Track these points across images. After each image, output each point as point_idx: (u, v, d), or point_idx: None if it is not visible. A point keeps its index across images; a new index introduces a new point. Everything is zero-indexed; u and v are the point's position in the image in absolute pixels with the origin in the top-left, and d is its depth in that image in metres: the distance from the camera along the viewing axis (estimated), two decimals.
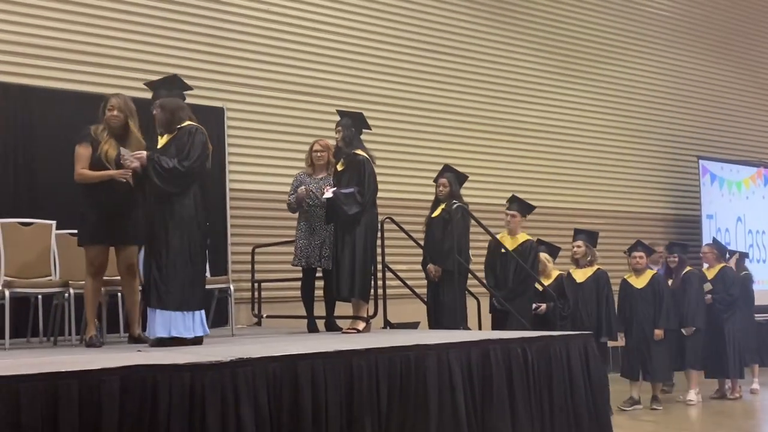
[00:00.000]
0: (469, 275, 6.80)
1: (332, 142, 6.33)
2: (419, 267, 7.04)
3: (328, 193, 5.74)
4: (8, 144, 6.77)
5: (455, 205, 6.56)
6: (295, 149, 8.27)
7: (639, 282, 7.68)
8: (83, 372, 3.09)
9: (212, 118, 8.01)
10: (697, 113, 12.47)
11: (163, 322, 4.68)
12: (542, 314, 6.88)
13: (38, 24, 7.27)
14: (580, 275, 7.37)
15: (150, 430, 3.17)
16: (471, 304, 6.86)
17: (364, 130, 6.02)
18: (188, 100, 7.72)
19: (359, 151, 5.84)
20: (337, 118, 6.06)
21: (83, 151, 5.03)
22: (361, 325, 5.69)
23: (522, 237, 6.97)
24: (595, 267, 7.44)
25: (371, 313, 6.82)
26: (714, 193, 11.77)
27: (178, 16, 8.08)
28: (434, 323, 6.61)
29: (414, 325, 6.99)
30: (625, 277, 7.88)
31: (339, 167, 5.91)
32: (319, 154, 6.28)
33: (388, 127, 9.19)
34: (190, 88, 5.39)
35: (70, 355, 4.18)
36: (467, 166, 9.40)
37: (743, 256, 9.36)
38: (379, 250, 6.88)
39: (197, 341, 4.83)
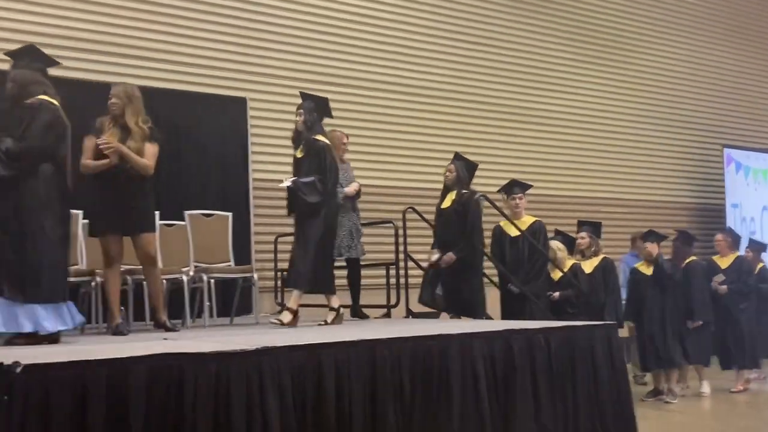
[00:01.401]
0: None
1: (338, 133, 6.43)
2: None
3: (287, 182, 5.53)
4: None
5: (466, 194, 6.43)
6: None
7: (650, 270, 7.59)
8: (111, 360, 3.14)
9: (235, 108, 8.07)
10: (723, 101, 12.33)
11: (25, 315, 4.21)
12: (554, 301, 6.88)
13: (62, 15, 7.33)
14: (588, 266, 7.34)
15: (176, 417, 3.21)
16: (494, 294, 6.85)
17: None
18: (212, 91, 7.95)
19: (320, 137, 5.61)
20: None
21: (87, 143, 5.07)
22: (331, 317, 5.53)
23: (529, 219, 6.91)
24: (601, 256, 7.43)
25: (393, 302, 6.89)
26: (739, 181, 11.64)
27: (201, 6, 8.11)
28: (452, 311, 6.50)
29: (435, 315, 7.00)
30: (636, 265, 7.80)
31: (298, 154, 5.67)
32: (348, 146, 6.38)
33: (409, 116, 9.19)
34: (54, 62, 4.93)
35: (97, 344, 4.24)
36: (488, 155, 9.41)
37: (760, 248, 9.13)
38: (400, 240, 6.92)
39: (54, 338, 4.33)
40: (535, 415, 4.33)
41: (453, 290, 6.37)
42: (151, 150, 5.14)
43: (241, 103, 8.08)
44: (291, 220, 8.02)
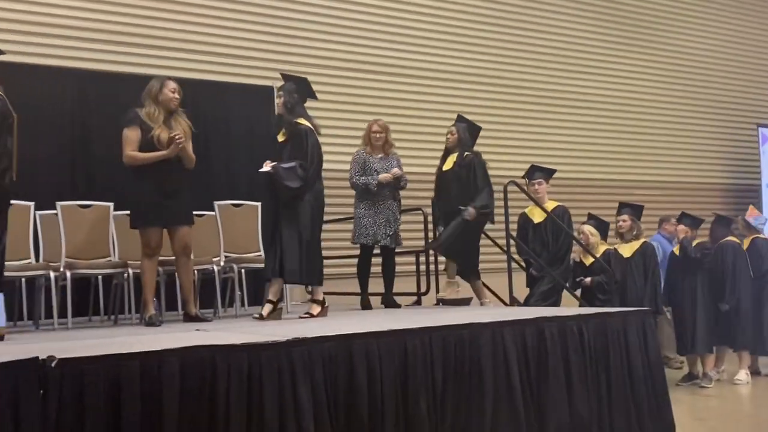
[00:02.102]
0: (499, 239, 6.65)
1: (384, 121, 6.36)
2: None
3: (267, 167, 5.27)
4: (65, 127, 6.92)
5: (469, 156, 6.22)
6: (344, 126, 8.30)
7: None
8: (144, 353, 3.15)
9: (262, 97, 8.06)
10: (757, 80, 12.10)
11: None
12: (586, 287, 6.81)
13: (91, 8, 7.40)
14: (627, 250, 7.21)
15: (209, 409, 3.22)
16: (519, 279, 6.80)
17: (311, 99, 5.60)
18: (237, 80, 7.94)
19: (302, 121, 5.37)
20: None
21: (132, 134, 5.06)
22: (316, 310, 5.34)
23: (551, 204, 6.83)
24: (642, 240, 7.29)
25: (423, 290, 6.86)
26: None
27: None
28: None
29: (466, 302, 6.96)
30: (674, 249, 7.65)
31: (280, 138, 5.42)
32: (378, 135, 6.28)
33: (441, 102, 9.12)
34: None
35: (131, 336, 4.27)
36: (520, 139, 9.34)
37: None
38: (430, 227, 6.88)
39: None
40: (569, 403, 4.27)
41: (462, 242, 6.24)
42: (189, 145, 5.20)
43: (268, 92, 8.06)
44: None
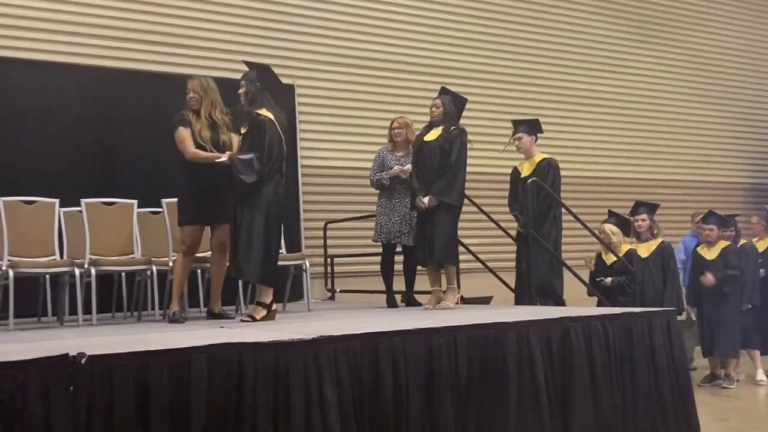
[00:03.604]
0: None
1: (409, 119, 6.31)
2: (491, 240, 6.95)
3: (223, 158, 5.01)
4: (89, 125, 6.98)
5: (455, 131, 5.80)
6: (366, 125, 8.31)
7: (710, 254, 7.35)
8: (173, 351, 3.17)
9: (282, 94, 8.07)
10: None
11: None
12: (607, 287, 6.74)
13: (116, 6, 7.43)
14: (644, 250, 7.14)
15: (236, 407, 3.23)
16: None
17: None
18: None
19: (264, 111, 5.05)
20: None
21: (185, 132, 5.12)
22: (260, 314, 4.90)
23: (539, 157, 6.56)
24: (659, 240, 7.20)
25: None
26: None
27: None
28: (423, 255, 5.83)
29: (486, 300, 6.95)
30: (697, 248, 7.55)
31: (242, 130, 5.14)
32: (397, 131, 6.26)
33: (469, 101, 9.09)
34: None
35: (157, 332, 4.29)
36: (551, 138, 9.26)
37: None
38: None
39: None
40: (594, 403, 4.25)
41: (425, 233, 5.80)
42: (235, 140, 5.23)
43: (289, 89, 8.08)
44: (339, 207, 8.13)
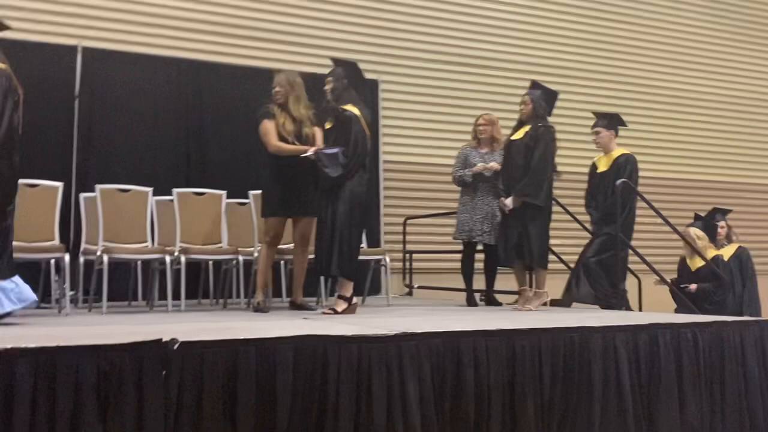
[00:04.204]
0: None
1: (495, 116, 6.25)
2: (574, 242, 6.82)
3: (310, 152, 5.07)
4: (180, 118, 7.19)
5: (542, 128, 5.68)
6: (449, 121, 8.28)
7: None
8: (260, 340, 3.24)
9: (367, 90, 8.11)
10: None
11: None
12: (692, 293, 6.52)
13: (209, 1, 7.62)
14: (723, 256, 6.88)
15: (320, 398, 3.27)
16: (632, 282, 6.58)
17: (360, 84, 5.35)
18: None
19: (349, 107, 5.11)
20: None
21: (270, 125, 5.23)
22: (341, 306, 4.96)
23: (617, 152, 6.28)
24: (736, 245, 6.92)
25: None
26: None
27: None
28: (507, 259, 5.79)
29: (566, 303, 6.82)
30: None
31: (327, 125, 5.25)
32: (482, 128, 6.21)
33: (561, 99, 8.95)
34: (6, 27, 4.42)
35: (244, 321, 4.39)
36: (640, 138, 9.04)
37: None
38: None
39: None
40: (681, 412, 4.12)
41: (510, 234, 5.72)
42: (319, 134, 5.31)
43: (373, 85, 8.13)
44: (419, 203, 8.12)
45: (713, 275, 6.55)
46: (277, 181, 5.23)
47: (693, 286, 6.57)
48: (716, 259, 6.73)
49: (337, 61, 5.37)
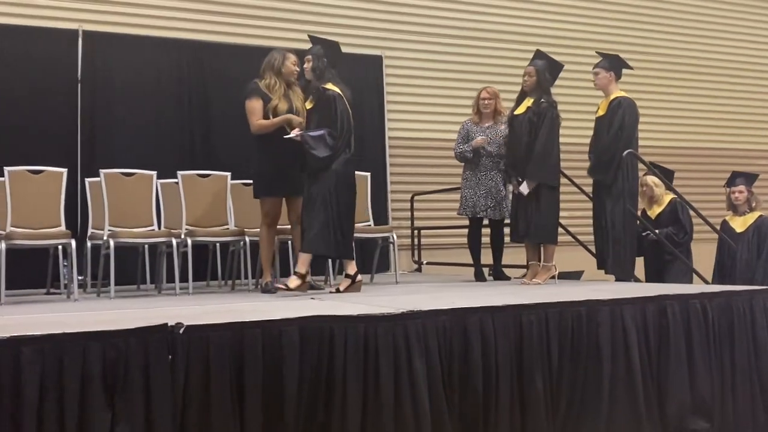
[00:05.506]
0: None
1: (498, 89, 6.17)
2: (582, 213, 6.76)
3: (293, 133, 5.02)
4: (184, 99, 7.16)
5: (544, 104, 5.57)
6: (454, 95, 8.20)
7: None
8: (265, 322, 3.24)
9: (371, 66, 8.07)
10: None
11: None
12: (653, 240, 6.34)
13: None
14: (740, 224, 6.69)
15: (327, 378, 3.28)
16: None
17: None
18: (348, 50, 7.87)
19: (331, 86, 5.05)
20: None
21: (256, 104, 5.19)
22: (344, 285, 5.00)
23: (614, 95, 6.03)
24: (757, 214, 6.77)
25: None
26: None
27: None
28: (519, 231, 5.74)
29: (577, 275, 6.80)
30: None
31: (308, 105, 5.15)
32: (486, 101, 6.14)
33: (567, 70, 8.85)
34: None
35: (250, 302, 4.40)
36: (653, 107, 8.92)
37: None
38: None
39: None
40: (691, 384, 4.11)
41: (525, 210, 5.68)
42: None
43: (377, 61, 8.07)
44: (426, 178, 8.08)
45: (673, 219, 6.43)
46: (267, 161, 5.19)
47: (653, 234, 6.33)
48: (673, 203, 6.57)
49: (315, 40, 5.29)
